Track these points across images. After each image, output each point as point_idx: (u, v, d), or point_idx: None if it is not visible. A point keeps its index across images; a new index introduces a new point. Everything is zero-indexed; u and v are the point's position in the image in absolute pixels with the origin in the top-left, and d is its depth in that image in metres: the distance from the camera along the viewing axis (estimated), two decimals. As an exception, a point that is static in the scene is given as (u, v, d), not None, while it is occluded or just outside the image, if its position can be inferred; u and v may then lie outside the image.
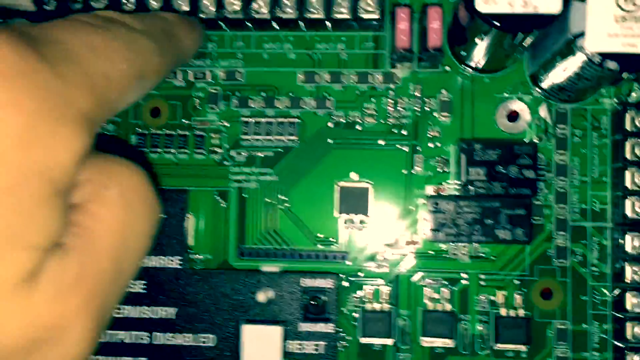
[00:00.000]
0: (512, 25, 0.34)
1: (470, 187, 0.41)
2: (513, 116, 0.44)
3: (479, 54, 0.41)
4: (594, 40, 0.33)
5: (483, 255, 0.43)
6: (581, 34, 0.34)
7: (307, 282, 0.43)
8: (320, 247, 0.45)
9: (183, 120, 0.46)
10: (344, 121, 0.45)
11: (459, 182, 0.43)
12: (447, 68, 0.44)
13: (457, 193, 0.43)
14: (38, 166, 0.24)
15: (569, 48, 0.35)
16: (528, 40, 0.37)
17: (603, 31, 0.33)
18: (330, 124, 0.45)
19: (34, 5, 0.42)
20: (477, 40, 0.39)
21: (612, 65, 0.33)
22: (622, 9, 0.33)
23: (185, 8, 0.43)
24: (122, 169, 0.30)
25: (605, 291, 0.42)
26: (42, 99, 0.24)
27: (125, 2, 0.43)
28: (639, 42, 0.33)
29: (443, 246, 0.43)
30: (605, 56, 0.33)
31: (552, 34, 0.37)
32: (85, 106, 0.26)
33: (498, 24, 0.34)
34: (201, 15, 0.43)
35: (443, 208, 0.40)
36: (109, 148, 0.30)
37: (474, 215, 0.40)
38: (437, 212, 0.40)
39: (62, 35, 0.28)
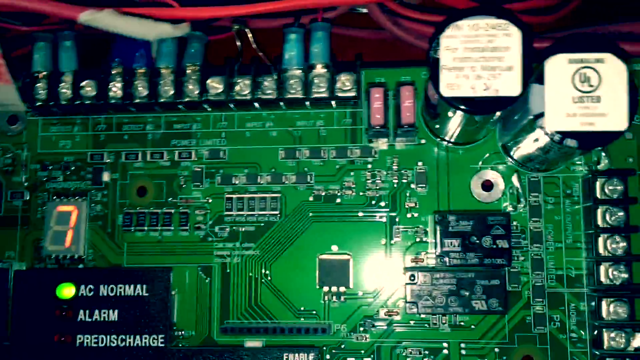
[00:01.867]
0: (475, 107, 0.36)
1: (445, 258, 0.41)
2: (488, 186, 0.45)
3: (451, 128, 0.43)
4: (553, 120, 0.35)
5: (463, 324, 0.44)
6: (541, 114, 0.35)
7: (290, 356, 0.43)
8: (302, 320, 0.45)
9: (169, 199, 0.47)
10: (324, 194, 0.46)
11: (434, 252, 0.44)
12: (423, 141, 0.46)
13: (433, 264, 0.44)
14: None
15: (532, 126, 0.37)
16: (495, 117, 0.38)
17: (562, 111, 0.35)
18: (310, 198, 0.46)
19: (24, 106, 0.44)
20: (447, 116, 0.41)
21: (571, 142, 0.35)
22: (579, 90, 0.35)
23: (171, 92, 0.45)
24: None
25: (584, 357, 0.43)
26: None
27: (115, 90, 0.45)
28: (596, 120, 0.35)
29: (423, 316, 0.44)
30: (565, 134, 0.35)
31: (517, 109, 0.38)
32: None
33: (462, 107, 0.36)
34: (187, 99, 0.45)
35: (419, 280, 0.41)
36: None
37: (449, 287, 0.41)
38: (413, 284, 0.41)
39: None
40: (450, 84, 0.36)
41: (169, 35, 0.41)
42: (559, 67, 0.35)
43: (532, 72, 0.36)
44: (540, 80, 0.35)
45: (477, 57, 0.36)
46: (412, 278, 0.41)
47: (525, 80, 0.35)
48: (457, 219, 0.41)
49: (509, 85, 0.35)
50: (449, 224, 0.42)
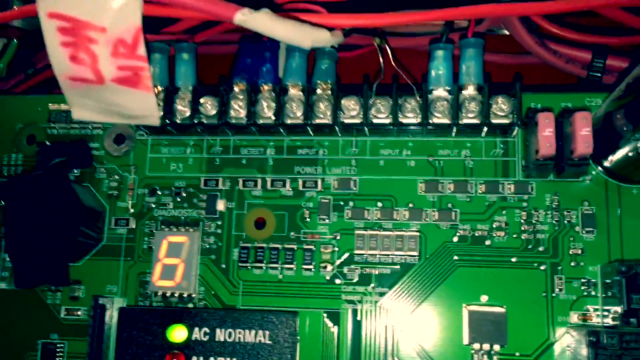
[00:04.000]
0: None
1: (633, 318, 0.35)
2: (668, 232, 0.38)
3: (631, 163, 0.37)
4: None
5: (646, 397, 0.36)
6: None
7: None
8: (447, 381, 0.39)
9: (291, 234, 0.42)
10: (471, 235, 0.40)
11: (609, 309, 0.37)
12: (588, 178, 0.40)
13: (609, 322, 0.37)
14: None
15: None
16: None
17: None
18: (455, 239, 0.40)
19: (160, 118, 0.40)
20: (631, 148, 0.35)
21: None
22: None
23: (299, 113, 0.40)
24: None
25: None
26: None
27: (237, 108, 0.40)
28: None
29: (595, 385, 0.37)
30: None
31: None
32: None
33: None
34: (316, 120, 0.40)
35: (606, 342, 0.34)
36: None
37: (643, 353, 0.34)
38: (598, 348, 0.34)
39: None
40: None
41: (326, 44, 0.36)
42: None
43: None
44: None
45: None
46: (594, 339, 0.34)
47: None
48: (648, 270, 0.35)
49: None
50: (638, 276, 0.35)
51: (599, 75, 0.45)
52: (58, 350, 0.41)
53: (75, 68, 0.31)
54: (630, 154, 0.36)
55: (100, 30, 0.30)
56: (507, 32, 0.47)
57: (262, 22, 0.31)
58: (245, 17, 0.31)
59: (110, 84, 0.32)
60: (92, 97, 0.33)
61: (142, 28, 0.31)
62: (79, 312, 0.42)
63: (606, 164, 0.39)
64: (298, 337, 0.39)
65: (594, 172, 0.40)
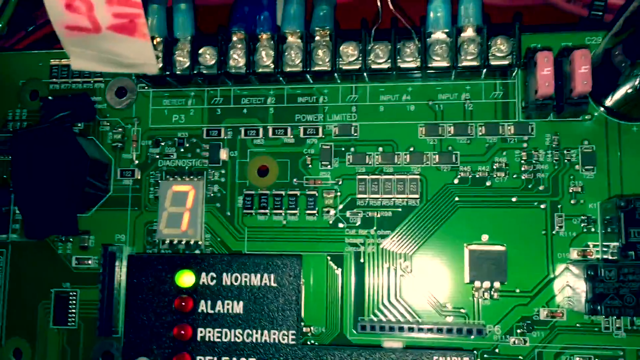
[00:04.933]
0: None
1: (631, 251, 0.35)
2: (668, 169, 0.39)
3: (631, 100, 0.37)
4: None
5: (644, 329, 0.37)
6: None
7: (439, 360, 0.38)
8: (449, 319, 0.40)
9: (293, 180, 0.42)
10: (472, 177, 0.41)
11: (609, 245, 0.38)
12: (588, 116, 0.40)
13: (609, 257, 0.38)
14: None
15: None
16: None
17: None
18: (456, 181, 0.41)
19: (159, 67, 0.40)
20: (630, 85, 0.35)
21: None
22: None
23: (298, 61, 0.40)
24: None
25: None
26: None
27: (236, 58, 0.40)
28: None
29: (593, 319, 0.38)
30: None
31: None
32: None
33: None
34: (316, 67, 0.40)
35: (604, 276, 0.35)
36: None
37: (640, 284, 0.35)
38: (595, 281, 0.35)
39: None
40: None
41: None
42: None
43: None
44: None
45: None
46: (594, 273, 0.35)
47: None
48: (646, 205, 0.35)
49: None
50: (637, 211, 0.35)
51: (601, 13, 0.44)
52: (71, 298, 0.43)
53: (71, 16, 0.31)
54: (629, 91, 0.36)
55: (94, -23, 0.30)
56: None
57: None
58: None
59: (106, 32, 0.32)
60: (90, 47, 0.33)
61: (136, -27, 0.31)
62: (90, 262, 0.43)
63: (607, 102, 0.39)
64: (303, 280, 0.40)
65: (595, 114, 0.40)
